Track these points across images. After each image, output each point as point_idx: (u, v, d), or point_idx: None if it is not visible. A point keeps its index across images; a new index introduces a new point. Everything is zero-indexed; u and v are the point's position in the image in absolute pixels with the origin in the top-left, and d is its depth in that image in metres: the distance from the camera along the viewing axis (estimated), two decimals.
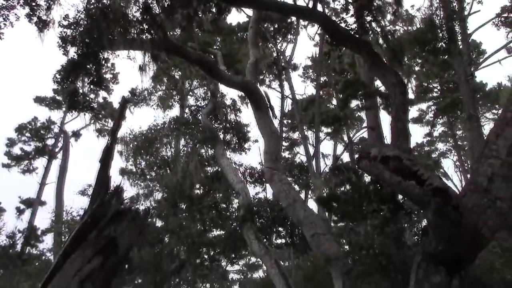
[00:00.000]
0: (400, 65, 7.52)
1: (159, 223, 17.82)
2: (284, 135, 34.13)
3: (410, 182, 3.77)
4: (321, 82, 30.22)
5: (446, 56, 22.05)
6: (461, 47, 22.65)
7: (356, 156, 4.64)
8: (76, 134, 31.67)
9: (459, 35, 22.33)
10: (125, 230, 5.86)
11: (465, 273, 4.08)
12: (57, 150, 31.63)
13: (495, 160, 4.19)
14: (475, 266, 9.19)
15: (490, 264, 9.80)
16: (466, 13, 23.95)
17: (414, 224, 10.09)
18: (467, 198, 4.18)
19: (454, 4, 21.02)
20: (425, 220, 4.42)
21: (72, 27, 9.95)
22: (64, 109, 31.15)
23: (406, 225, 9.76)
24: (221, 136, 16.98)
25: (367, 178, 19.62)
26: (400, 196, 7.08)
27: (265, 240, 13.27)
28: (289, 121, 34.79)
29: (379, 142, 13.93)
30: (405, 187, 3.78)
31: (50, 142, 31.59)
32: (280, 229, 13.43)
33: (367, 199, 9.28)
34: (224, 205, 14.62)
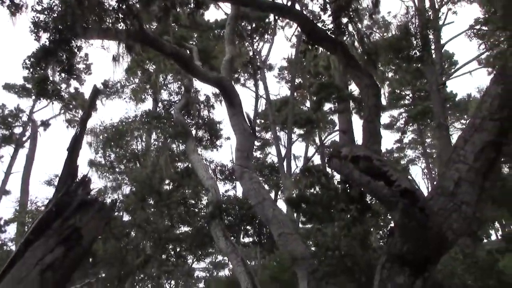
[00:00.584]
0: (375, 68, 7.60)
1: (126, 217, 17.64)
2: (256, 134, 34.17)
3: (379, 183, 3.79)
4: (296, 83, 30.40)
5: (419, 64, 22.40)
6: (434, 56, 23.08)
7: (327, 155, 4.65)
8: (45, 124, 31.08)
9: (432, 44, 22.75)
10: (90, 221, 5.75)
11: (428, 275, 4.13)
12: (24, 139, 31.01)
13: (462, 165, 4.25)
14: (438, 270, 9.37)
15: (452, 270, 9.99)
16: (440, 23, 24.42)
17: (380, 227, 10.21)
18: (434, 201, 4.24)
19: (429, 13, 21.39)
20: (391, 222, 4.46)
21: (46, 12, 9.73)
22: (33, 97, 30.56)
23: (372, 228, 9.86)
24: (193, 132, 16.88)
25: (337, 181, 19.77)
26: (368, 197, 7.15)
27: (232, 238, 13.25)
28: (262, 121, 34.89)
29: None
30: (374, 187, 3.80)
31: (17, 130, 30.96)
32: (248, 227, 13.42)
33: (336, 198, 9.34)
34: (193, 201, 14.53)
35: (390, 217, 8.10)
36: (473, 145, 4.26)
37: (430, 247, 3.97)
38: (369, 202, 4.68)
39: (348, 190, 4.65)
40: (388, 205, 3.84)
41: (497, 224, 34.55)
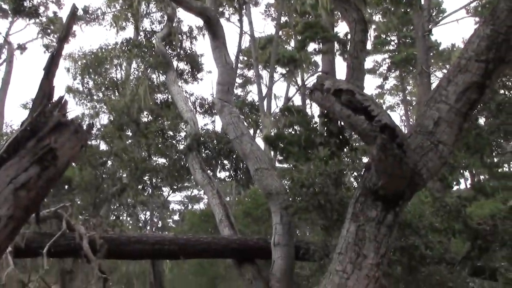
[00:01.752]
0: (365, 4, 7.45)
1: (103, 146, 17.55)
2: (238, 71, 33.85)
3: (360, 117, 3.78)
4: (282, 22, 29.85)
5: (407, 9, 22.15)
6: (422, 2, 22.78)
7: (310, 89, 4.58)
8: (22, 47, 30.18)
9: None
10: (66, 142, 5.61)
11: (399, 210, 4.21)
12: (0, 62, 30.18)
13: (444, 105, 4.26)
14: (407, 211, 9.62)
15: (421, 212, 10.27)
16: None
17: (356, 169, 10.34)
18: (412, 139, 4.27)
19: None
20: (368, 160, 4.50)
21: None
22: (10, 18, 29.50)
23: (347, 169, 9.99)
24: (175, 63, 16.59)
25: (317, 115, 19.82)
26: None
27: (209, 172, 13.33)
28: (245, 58, 34.45)
29: None
30: (354, 121, 3.79)
31: None
32: (225, 162, 13.50)
33: (314, 137, 9.39)
34: (171, 133, 14.47)
35: (366, 156, 8.17)
36: (456, 86, 4.25)
37: (404, 183, 4.03)
38: (347, 137, 4.71)
39: (328, 125, 4.67)
40: (367, 139, 3.85)
41: (467, 174, 35.45)
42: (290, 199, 10.35)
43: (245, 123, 24.32)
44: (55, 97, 6.37)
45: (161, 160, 16.18)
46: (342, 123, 4.24)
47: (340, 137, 4.68)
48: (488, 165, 15.42)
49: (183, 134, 13.98)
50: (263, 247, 10.93)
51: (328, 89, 4.05)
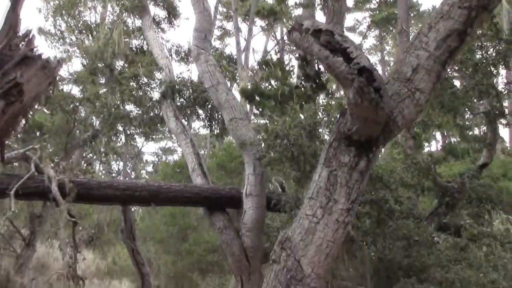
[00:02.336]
0: None
1: (75, 90, 17.17)
2: (217, 23, 33.21)
3: (338, 58, 3.68)
4: None
5: None
6: None
7: (288, 30, 4.45)
8: None
9: None
10: (32, 77, 5.44)
11: (372, 157, 4.19)
12: None
13: (423, 52, 4.18)
14: (379, 166, 9.71)
15: (392, 168, 10.39)
16: None
17: (331, 122, 10.32)
18: (389, 85, 4.20)
19: None
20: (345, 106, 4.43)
21: None
22: None
23: (323, 118, 9.97)
24: (151, 8, 16.08)
25: (293, 78, 19.72)
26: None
27: (184, 121, 13.16)
28: (224, 9, 33.78)
29: None
30: (332, 63, 3.69)
31: None
32: (200, 111, 13.33)
33: (291, 86, 9.29)
34: (146, 80, 14.16)
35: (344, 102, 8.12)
36: (437, 33, 4.17)
37: (379, 128, 3.98)
38: (324, 81, 4.59)
39: (305, 68, 4.54)
40: (344, 83, 3.76)
41: (438, 136, 36.03)
42: (264, 150, 10.32)
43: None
44: (22, 31, 6.11)
45: (135, 110, 15.87)
46: (320, 67, 4.12)
47: (317, 80, 4.59)
48: (460, 126, 15.60)
49: (158, 81, 13.67)
50: (235, 197, 10.96)
51: (307, 29, 3.92)
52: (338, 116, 4.31)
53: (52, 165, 9.89)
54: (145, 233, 23.41)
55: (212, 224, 10.97)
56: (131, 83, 13.85)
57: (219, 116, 13.22)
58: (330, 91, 5.00)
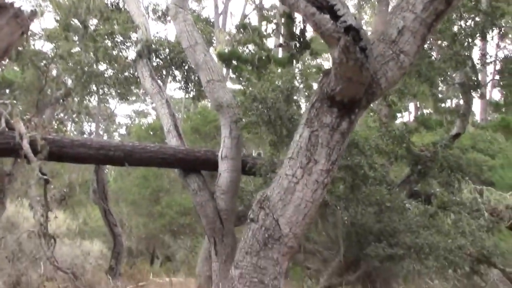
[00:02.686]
0: None
1: (47, 47, 16.66)
2: None
3: (325, 16, 3.60)
4: None
5: None
6: None
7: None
8: None
9: None
10: (4, 27, 5.22)
11: (354, 118, 4.17)
12: None
13: (410, 13, 4.13)
14: (354, 133, 9.77)
15: (367, 135, 10.48)
16: None
17: (309, 86, 10.29)
18: (374, 46, 4.15)
19: None
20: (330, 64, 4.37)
21: None
22: None
23: (302, 82, 9.91)
24: None
25: (270, 42, 19.42)
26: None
27: (160, 82, 12.93)
28: None
29: None
30: (318, 20, 3.61)
31: None
32: (177, 72, 13.09)
33: (269, 51, 9.19)
34: (121, 38, 13.81)
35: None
36: None
37: (362, 89, 3.95)
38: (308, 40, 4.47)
39: (290, 26, 4.43)
40: (329, 41, 3.70)
41: (412, 107, 36.50)
42: (241, 113, 10.24)
43: None
44: None
45: (110, 69, 15.49)
46: (305, 25, 4.02)
47: (301, 39, 4.50)
48: (435, 96, 15.76)
49: (133, 40, 13.33)
50: (210, 159, 10.91)
51: None
52: (321, 76, 4.25)
53: (23, 121, 9.62)
54: (117, 195, 23.28)
55: (187, 186, 10.92)
56: (106, 41, 13.47)
57: (196, 78, 13.03)
58: (313, 51, 4.87)
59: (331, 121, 4.12)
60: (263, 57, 23.63)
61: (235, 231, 11.06)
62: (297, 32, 4.02)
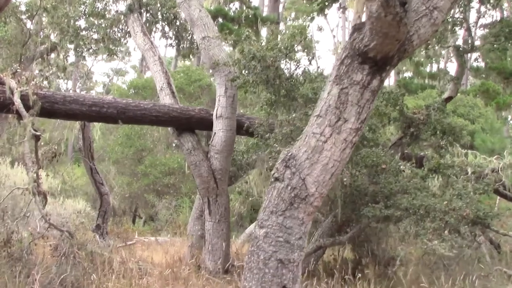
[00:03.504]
0: None
1: None
2: None
3: None
4: None
5: None
6: None
7: None
8: None
9: None
10: None
11: (384, 77, 4.05)
12: None
13: None
14: None
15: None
16: None
17: (308, 45, 10.09)
18: (408, 1, 4.00)
19: None
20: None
21: None
22: None
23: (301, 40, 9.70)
24: None
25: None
26: None
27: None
28: None
29: None
30: None
31: None
32: (167, 28, 12.70)
33: (256, 9, 8.91)
34: None
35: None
36: None
37: (396, 46, 3.82)
38: None
39: None
40: None
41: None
42: (238, 71, 10.01)
43: None
44: None
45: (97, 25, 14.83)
46: None
47: None
48: (430, 57, 15.74)
49: None
50: (205, 118, 10.75)
51: None
52: (351, 31, 4.10)
53: (11, 75, 9.24)
54: (99, 154, 23.02)
55: (180, 145, 10.77)
56: None
57: (188, 35, 12.68)
58: (340, 5, 4.57)
59: (361, 79, 4.00)
60: (250, 16, 23.24)
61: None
62: None
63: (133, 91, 26.70)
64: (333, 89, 4.07)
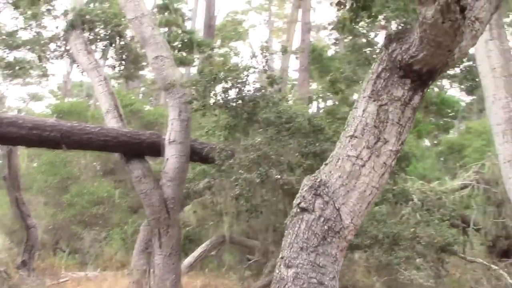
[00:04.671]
0: None
1: None
2: None
3: None
4: None
5: None
6: None
7: None
8: None
9: None
10: None
11: (425, 92, 3.63)
12: None
13: None
14: (319, 118, 9.32)
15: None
16: None
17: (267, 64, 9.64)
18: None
19: None
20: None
21: None
22: None
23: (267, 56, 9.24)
24: None
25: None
26: None
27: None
28: None
29: None
30: None
31: None
32: (112, 47, 11.81)
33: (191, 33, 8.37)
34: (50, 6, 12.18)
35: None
36: None
37: (448, 57, 3.41)
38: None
39: None
40: None
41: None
42: (195, 93, 9.37)
43: None
44: None
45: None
46: None
47: None
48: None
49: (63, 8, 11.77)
50: (156, 143, 9.98)
51: None
52: (385, 41, 3.65)
53: None
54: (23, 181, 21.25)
55: (130, 173, 9.85)
56: (29, 10, 11.76)
57: (132, 56, 11.87)
58: (372, 14, 4.17)
59: (403, 94, 3.54)
60: (185, 40, 22.63)
61: None
62: None
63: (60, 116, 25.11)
64: (369, 106, 3.57)
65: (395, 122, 3.53)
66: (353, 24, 5.06)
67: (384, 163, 3.54)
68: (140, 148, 9.84)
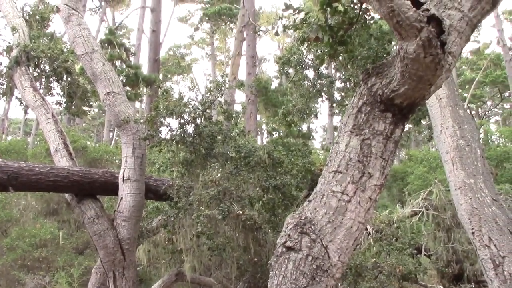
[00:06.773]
0: None
1: None
2: None
3: (406, 1, 3.05)
4: None
5: None
6: None
7: None
8: None
9: None
10: None
11: (405, 125, 3.65)
12: None
13: (456, 12, 3.74)
14: (278, 152, 9.29)
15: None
16: None
17: (222, 103, 9.56)
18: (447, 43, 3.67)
19: None
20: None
21: None
22: None
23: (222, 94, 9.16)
24: None
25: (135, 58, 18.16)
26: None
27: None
28: None
29: None
30: (398, 6, 3.05)
31: None
32: (57, 84, 11.41)
33: (137, 68, 8.29)
34: None
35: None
36: None
37: (428, 91, 3.45)
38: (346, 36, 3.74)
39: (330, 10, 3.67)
40: (407, 32, 3.14)
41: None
42: (150, 129, 9.15)
43: None
44: None
45: None
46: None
47: (336, 33, 3.82)
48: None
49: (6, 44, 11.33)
50: (109, 182, 9.62)
51: None
52: (363, 76, 3.66)
53: None
54: None
55: (82, 213, 9.40)
56: None
57: (81, 92, 11.51)
58: (348, 48, 4.14)
59: (384, 128, 3.54)
60: (131, 75, 22.37)
61: None
62: (332, 23, 3.42)
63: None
64: (352, 141, 3.55)
65: (378, 156, 3.52)
66: (332, 60, 5.11)
67: (369, 197, 3.51)
68: (93, 188, 9.44)
